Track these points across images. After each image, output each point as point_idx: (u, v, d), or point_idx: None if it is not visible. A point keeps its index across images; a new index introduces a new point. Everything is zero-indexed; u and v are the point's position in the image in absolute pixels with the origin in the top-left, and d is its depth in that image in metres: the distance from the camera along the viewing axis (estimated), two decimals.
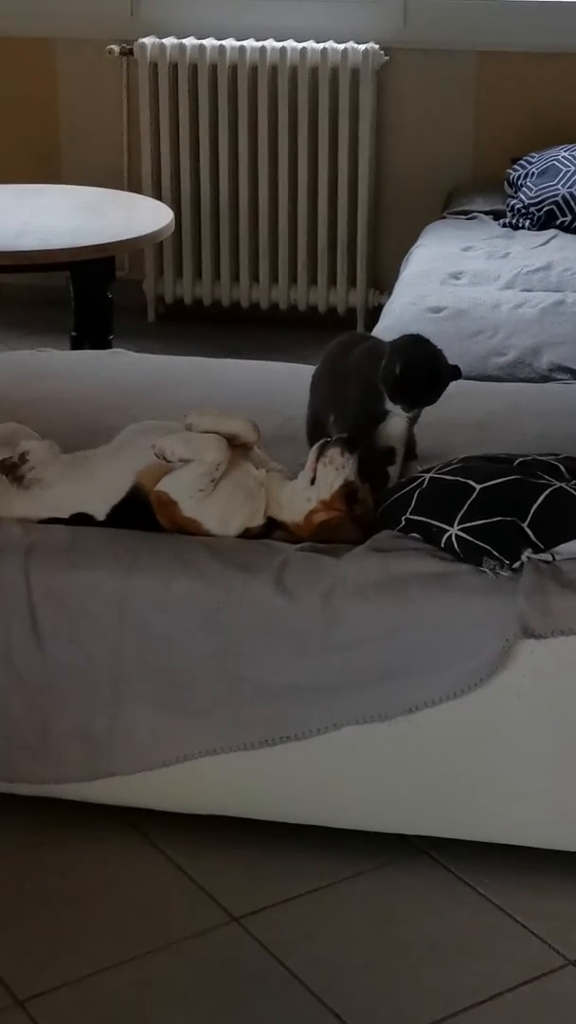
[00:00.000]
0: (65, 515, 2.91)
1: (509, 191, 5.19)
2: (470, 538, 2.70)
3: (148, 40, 5.50)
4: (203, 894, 2.72)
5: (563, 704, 2.65)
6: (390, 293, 4.66)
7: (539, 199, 5.00)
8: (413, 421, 3.01)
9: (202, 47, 5.45)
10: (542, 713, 2.66)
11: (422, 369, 2.93)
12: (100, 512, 2.90)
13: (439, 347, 3.02)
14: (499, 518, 2.69)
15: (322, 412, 3.13)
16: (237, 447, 2.90)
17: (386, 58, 5.45)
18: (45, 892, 2.74)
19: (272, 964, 2.56)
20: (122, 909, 2.69)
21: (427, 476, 2.84)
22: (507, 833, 2.78)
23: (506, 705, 2.66)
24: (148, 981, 2.52)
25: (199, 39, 5.49)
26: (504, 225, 5.06)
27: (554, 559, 2.69)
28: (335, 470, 2.81)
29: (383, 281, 5.55)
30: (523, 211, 5.04)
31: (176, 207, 5.46)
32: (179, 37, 5.52)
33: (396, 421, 2.99)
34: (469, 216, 5.16)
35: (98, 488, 2.91)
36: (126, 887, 2.75)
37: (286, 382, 3.66)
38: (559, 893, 2.73)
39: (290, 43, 5.42)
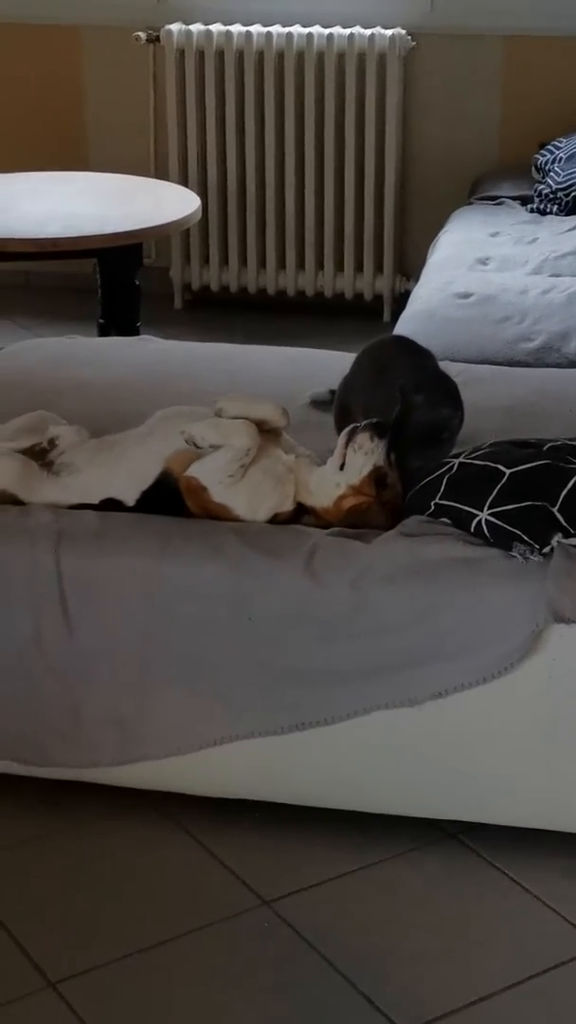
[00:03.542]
0: (95, 501, 2.92)
1: (536, 176, 5.17)
2: (500, 523, 2.69)
3: (175, 27, 5.50)
4: (233, 878, 2.73)
5: None
6: (417, 279, 4.66)
7: (567, 184, 4.98)
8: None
9: (229, 33, 5.45)
10: (572, 697, 2.66)
11: (420, 439, 2.95)
12: (130, 498, 2.91)
13: (459, 392, 3.06)
14: (529, 503, 2.69)
15: (354, 406, 3.13)
16: (267, 432, 2.90)
17: (413, 43, 5.44)
18: (76, 876, 2.75)
19: (303, 947, 2.57)
20: (153, 893, 2.71)
21: (456, 461, 2.84)
22: (537, 817, 2.78)
23: (536, 689, 2.66)
24: (179, 964, 2.53)
25: (226, 25, 5.49)
26: (532, 211, 5.05)
27: None
28: (364, 455, 2.81)
29: (410, 267, 5.55)
30: (551, 196, 5.02)
31: (203, 194, 5.46)
32: (206, 23, 5.52)
33: None
34: (496, 202, 5.15)
35: (127, 474, 2.92)
36: (157, 871, 2.76)
37: (313, 368, 3.66)
38: None
39: (317, 29, 5.41)
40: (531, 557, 2.67)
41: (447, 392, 3.08)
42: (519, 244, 4.70)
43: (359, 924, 2.63)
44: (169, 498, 2.89)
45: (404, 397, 2.95)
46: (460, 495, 2.76)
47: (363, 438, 2.82)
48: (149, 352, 3.87)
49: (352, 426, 2.87)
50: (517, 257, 4.57)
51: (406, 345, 3.33)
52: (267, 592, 2.72)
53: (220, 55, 5.49)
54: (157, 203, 4.76)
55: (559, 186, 5.00)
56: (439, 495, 2.79)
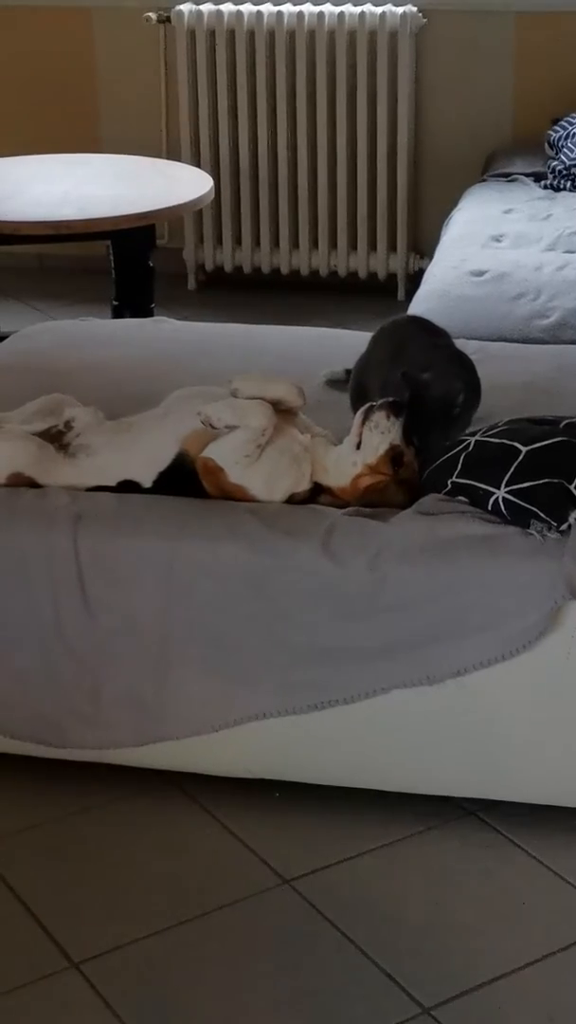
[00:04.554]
0: (111, 483, 2.93)
1: (550, 152, 5.15)
2: (517, 500, 2.69)
3: (185, 7, 5.49)
4: (254, 857, 2.74)
5: None
6: (431, 257, 4.65)
7: None
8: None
9: (239, 13, 5.43)
10: None
11: (433, 415, 2.94)
12: (146, 479, 2.92)
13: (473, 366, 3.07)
14: (546, 480, 2.69)
15: (370, 386, 3.12)
16: (283, 412, 2.90)
17: (424, 20, 5.42)
18: (98, 856, 2.76)
19: (324, 926, 2.57)
20: (174, 872, 2.72)
21: (473, 439, 2.84)
22: (556, 794, 2.78)
23: (554, 666, 2.66)
24: (199, 944, 2.54)
25: (236, 4, 5.47)
26: (545, 187, 5.03)
27: None
28: (380, 434, 2.81)
29: (424, 245, 5.54)
30: (564, 172, 5.00)
31: (215, 174, 5.45)
32: (216, 3, 5.50)
33: None
34: (509, 178, 5.13)
35: (144, 455, 2.93)
36: (177, 851, 2.77)
37: (328, 348, 3.66)
38: None
39: (328, 7, 5.39)
40: (548, 535, 2.67)
41: (458, 367, 3.07)
42: (533, 221, 4.69)
43: (379, 902, 2.64)
44: (186, 479, 2.89)
45: (411, 381, 2.94)
46: (477, 473, 2.76)
47: (379, 417, 2.82)
48: (163, 333, 3.87)
49: (368, 405, 2.87)
50: (531, 234, 4.56)
51: (422, 325, 3.33)
52: (285, 572, 2.72)
53: (231, 34, 5.47)
54: (170, 184, 4.75)
55: (572, 162, 4.99)
56: (456, 473, 2.79)
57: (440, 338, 3.21)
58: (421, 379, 2.95)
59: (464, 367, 3.09)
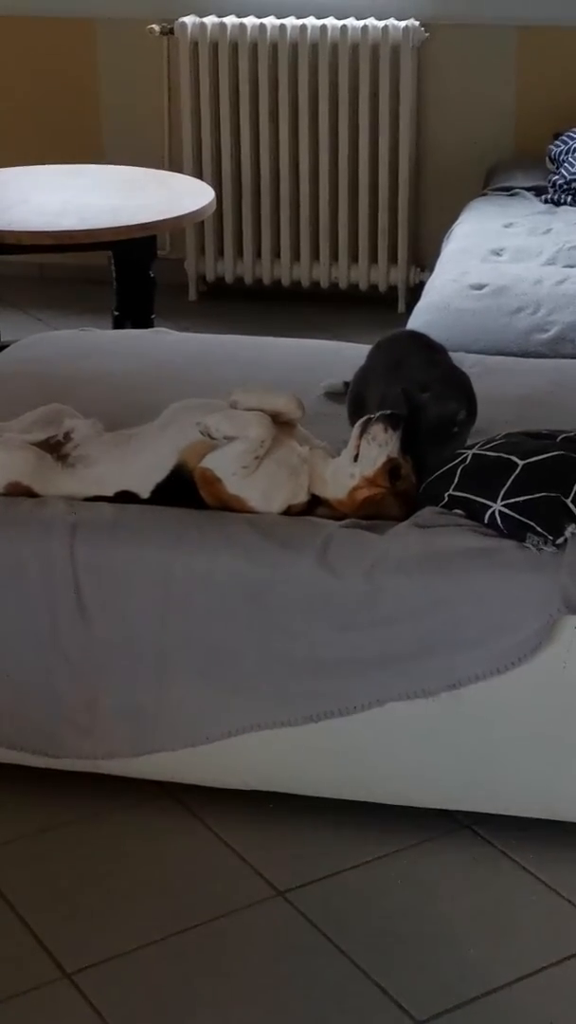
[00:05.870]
0: (109, 493, 2.93)
1: (551, 167, 5.16)
2: (513, 514, 2.70)
3: (188, 19, 5.50)
4: (248, 868, 2.74)
5: None
6: (431, 270, 4.66)
7: None
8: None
9: (242, 25, 5.45)
10: None
11: (430, 434, 2.94)
12: (144, 490, 2.92)
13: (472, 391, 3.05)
14: (542, 494, 2.69)
15: (368, 398, 3.13)
16: (282, 424, 2.90)
17: (426, 34, 5.44)
18: (92, 867, 2.76)
19: (317, 938, 2.57)
20: (168, 883, 2.72)
21: (470, 452, 2.84)
22: (551, 808, 2.78)
23: (550, 680, 2.66)
24: (194, 955, 2.54)
25: (239, 17, 5.48)
26: (546, 201, 5.04)
27: None
28: (378, 447, 2.82)
29: (424, 258, 5.54)
30: (565, 187, 5.01)
31: (217, 186, 5.47)
32: (219, 16, 5.51)
33: None
34: (510, 192, 5.14)
35: (142, 466, 2.93)
36: (172, 862, 2.77)
37: (328, 360, 3.66)
38: None
39: (330, 20, 5.41)
40: (544, 548, 2.67)
41: (455, 387, 3.07)
42: (533, 235, 4.69)
43: (373, 914, 2.64)
44: (184, 490, 2.89)
45: (410, 400, 2.94)
46: (474, 486, 2.77)
47: (377, 429, 2.83)
48: (164, 344, 3.87)
49: (366, 417, 2.87)
50: (531, 248, 4.57)
51: (420, 340, 3.33)
52: (282, 583, 2.73)
53: (234, 47, 5.48)
54: (171, 195, 4.76)
55: (573, 176, 4.99)
56: (453, 486, 2.79)
57: (438, 354, 3.21)
58: (420, 399, 2.96)
59: (461, 386, 3.09)
